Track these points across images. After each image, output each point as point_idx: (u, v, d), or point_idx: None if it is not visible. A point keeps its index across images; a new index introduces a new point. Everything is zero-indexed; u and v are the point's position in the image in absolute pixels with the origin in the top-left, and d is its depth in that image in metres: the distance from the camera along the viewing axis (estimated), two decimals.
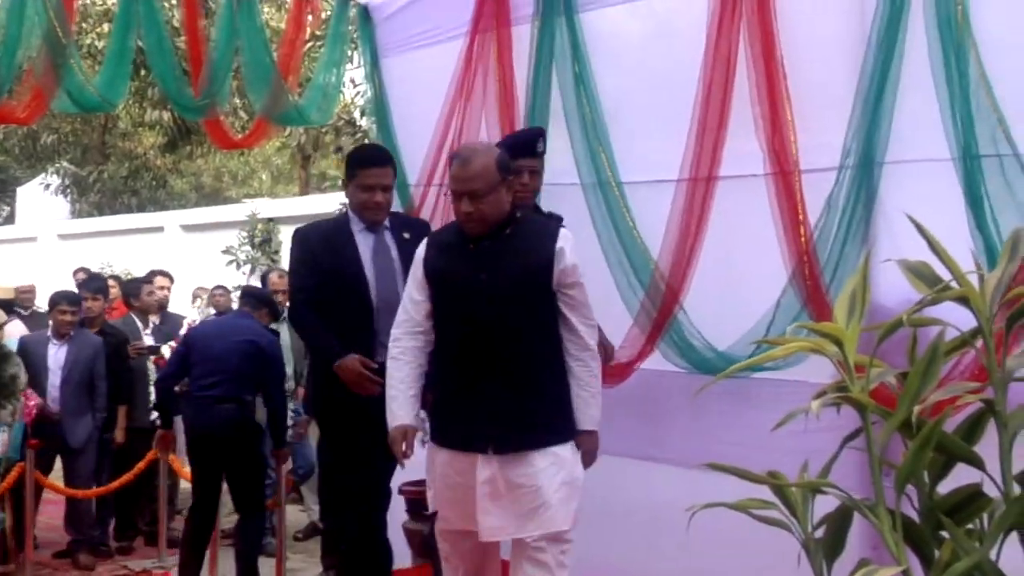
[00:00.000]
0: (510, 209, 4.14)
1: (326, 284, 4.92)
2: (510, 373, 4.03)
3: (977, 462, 2.05)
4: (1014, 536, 2.05)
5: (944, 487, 2.13)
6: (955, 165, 4.24)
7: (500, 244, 4.13)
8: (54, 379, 7.58)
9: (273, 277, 8.67)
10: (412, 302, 4.27)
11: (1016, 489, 2.05)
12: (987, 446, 2.13)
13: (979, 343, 2.06)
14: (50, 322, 7.83)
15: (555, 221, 4.57)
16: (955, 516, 2.08)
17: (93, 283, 9.05)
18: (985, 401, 2.06)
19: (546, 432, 3.99)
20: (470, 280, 4.13)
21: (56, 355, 7.68)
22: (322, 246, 5.05)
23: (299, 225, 5.47)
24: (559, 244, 4.06)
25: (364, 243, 5.04)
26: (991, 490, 2.09)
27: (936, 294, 2.05)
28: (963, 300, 2.05)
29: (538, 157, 4.82)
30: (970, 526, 2.11)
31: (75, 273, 11.21)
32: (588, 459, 4.10)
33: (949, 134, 4.27)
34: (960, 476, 2.12)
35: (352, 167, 5.09)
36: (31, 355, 7.59)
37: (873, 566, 1.93)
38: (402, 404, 4.15)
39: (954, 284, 2.05)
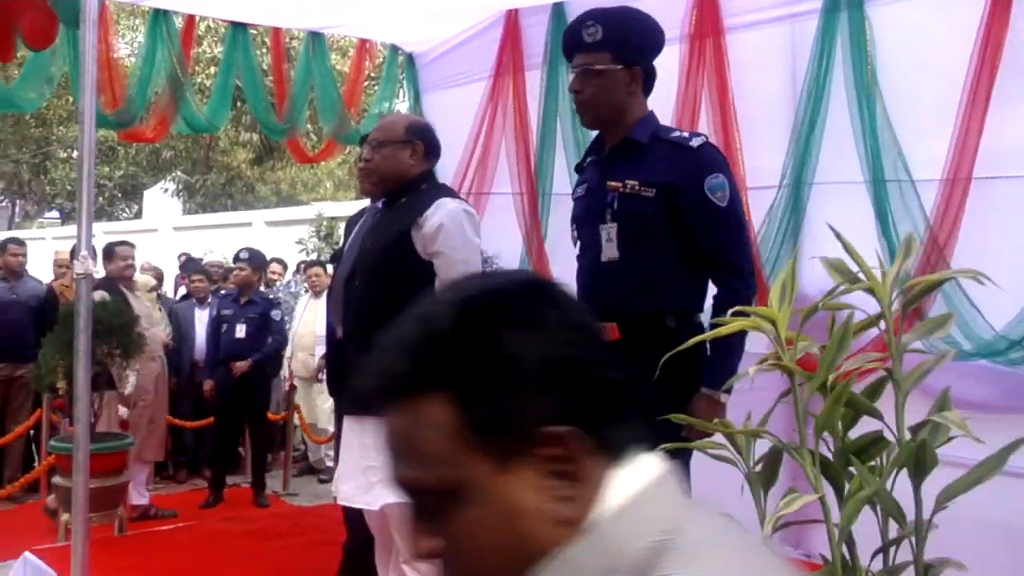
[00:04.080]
0: (411, 180, 3.24)
1: None
2: (368, 338, 3.11)
3: (878, 415, 2.06)
4: (904, 471, 2.06)
5: (852, 434, 2.14)
6: (866, 187, 4.26)
7: (390, 212, 3.27)
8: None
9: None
10: None
11: (907, 436, 2.06)
12: (885, 402, 2.14)
13: (881, 324, 2.08)
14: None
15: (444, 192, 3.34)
16: (861, 456, 2.09)
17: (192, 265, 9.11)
18: (885, 369, 2.08)
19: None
20: (358, 246, 3.36)
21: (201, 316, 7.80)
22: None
23: None
24: (427, 211, 3.11)
25: (362, 224, 3.92)
26: (888, 436, 2.10)
27: (848, 284, 2.07)
28: (869, 290, 2.06)
29: (591, 50, 2.86)
30: (872, 464, 2.12)
31: (179, 256, 11.27)
32: None
33: (862, 163, 4.29)
34: (864, 425, 2.13)
35: None
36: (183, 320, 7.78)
37: (797, 494, 1.95)
38: None
39: (862, 277, 2.07)
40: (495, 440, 0.83)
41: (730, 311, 2.28)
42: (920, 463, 1.98)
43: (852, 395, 1.98)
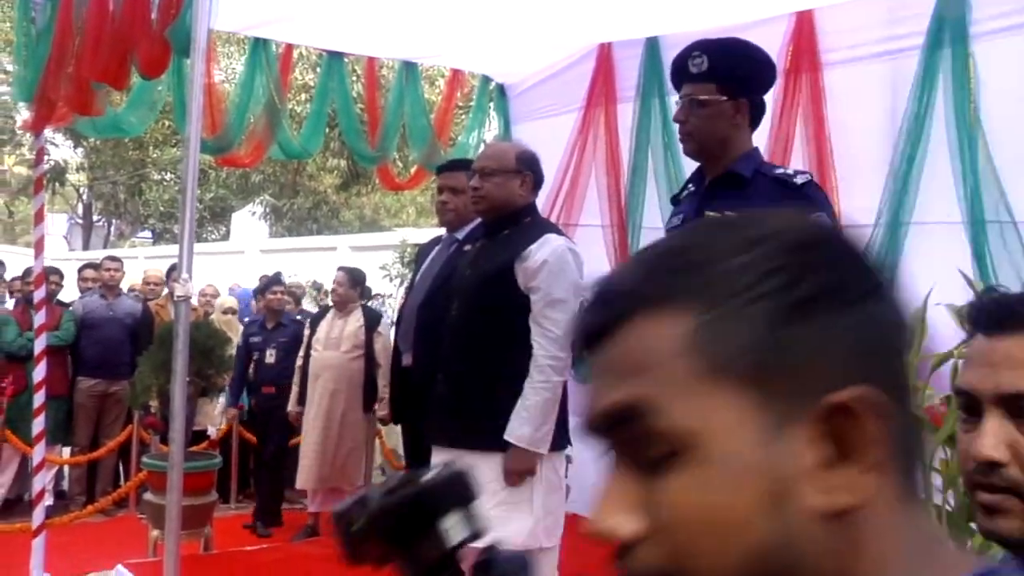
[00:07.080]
0: (517, 211, 3.21)
1: None
2: (460, 368, 3.16)
3: None
4: None
5: None
6: (964, 228, 4.09)
7: (492, 244, 3.23)
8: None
9: None
10: None
11: None
12: None
13: None
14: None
15: (550, 228, 3.30)
16: None
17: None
18: None
19: (481, 434, 3.04)
20: (459, 274, 3.35)
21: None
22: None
23: None
24: (532, 246, 3.07)
25: (437, 254, 4.16)
26: None
27: None
28: None
29: (696, 81, 2.77)
30: None
31: (260, 278, 11.27)
32: (506, 476, 3.00)
33: (961, 203, 4.12)
34: None
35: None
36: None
37: None
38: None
39: None
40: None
41: None
42: None
43: None
